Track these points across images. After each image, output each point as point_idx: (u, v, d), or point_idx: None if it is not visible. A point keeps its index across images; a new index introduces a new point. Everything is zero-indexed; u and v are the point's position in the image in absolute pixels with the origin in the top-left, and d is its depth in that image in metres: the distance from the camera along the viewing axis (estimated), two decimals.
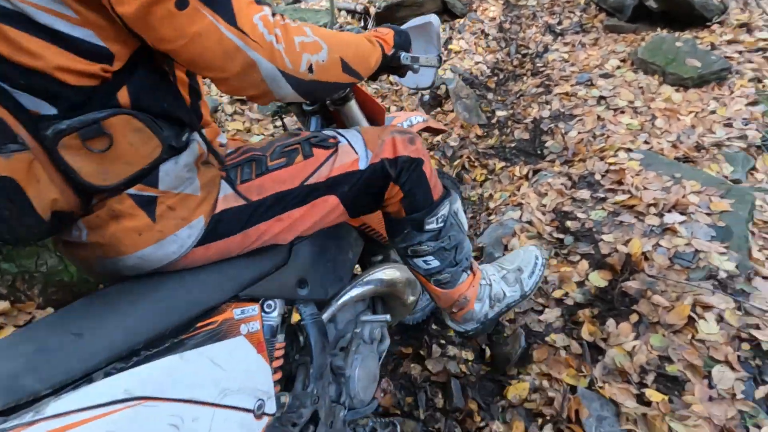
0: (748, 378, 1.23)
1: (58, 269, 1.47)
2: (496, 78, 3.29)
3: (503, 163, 2.55)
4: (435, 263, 0.89)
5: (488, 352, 1.53)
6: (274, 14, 0.59)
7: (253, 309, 0.68)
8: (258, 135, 2.74)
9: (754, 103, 2.51)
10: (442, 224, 0.87)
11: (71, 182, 0.55)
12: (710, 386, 1.24)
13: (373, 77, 0.92)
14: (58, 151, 0.52)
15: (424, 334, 1.60)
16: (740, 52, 2.86)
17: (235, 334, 0.64)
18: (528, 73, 3.28)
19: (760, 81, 2.66)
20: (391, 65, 0.87)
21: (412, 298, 1.13)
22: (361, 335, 0.97)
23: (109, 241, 0.59)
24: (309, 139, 0.77)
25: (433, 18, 0.95)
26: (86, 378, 0.48)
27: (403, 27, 0.93)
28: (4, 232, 0.51)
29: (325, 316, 0.89)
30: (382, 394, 1.03)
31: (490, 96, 3.14)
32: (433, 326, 1.64)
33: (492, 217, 2.19)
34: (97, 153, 0.54)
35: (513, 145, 2.68)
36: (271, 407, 0.66)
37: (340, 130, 0.83)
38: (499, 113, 2.96)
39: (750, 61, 2.78)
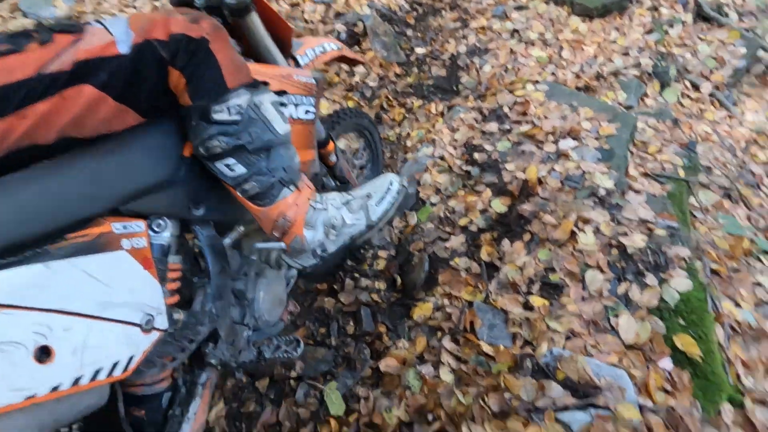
0: (614, 278, 1.41)
1: None
2: (415, 13, 3.21)
3: (421, 101, 2.57)
4: (240, 168, 0.77)
5: (399, 281, 1.63)
6: None
7: (138, 225, 0.67)
8: None
9: (649, 32, 2.67)
10: (237, 116, 0.75)
11: None
12: (583, 288, 1.42)
13: None
14: None
15: (338, 270, 1.66)
16: None
17: (116, 248, 0.62)
18: (446, 7, 3.23)
19: (656, 9, 2.80)
20: None
21: None
22: (267, 259, 0.99)
23: None
24: (51, 25, 0.67)
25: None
26: None
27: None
28: None
29: (228, 241, 0.90)
30: (288, 317, 1.07)
31: (409, 32, 3.07)
32: (349, 262, 1.71)
33: (408, 155, 2.24)
34: None
35: (431, 82, 2.69)
36: (162, 323, 0.67)
37: (101, 18, 0.74)
38: (419, 50, 2.93)
39: None
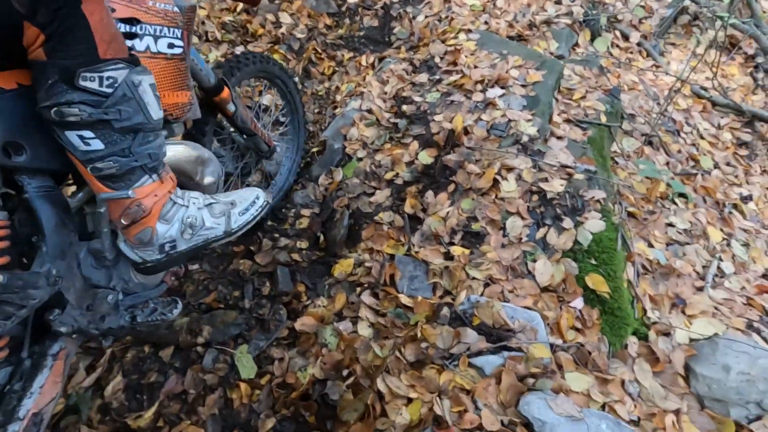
0: (533, 224, 1.41)
1: None
2: None
3: (351, 54, 2.43)
4: (97, 144, 0.69)
5: (322, 239, 1.56)
6: None
7: None
8: None
9: None
10: (109, 90, 0.67)
11: None
12: (504, 235, 1.41)
13: None
14: None
15: (257, 231, 1.57)
16: None
17: None
18: None
19: None
20: None
21: (209, 179, 1.04)
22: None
23: None
24: None
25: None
26: None
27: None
28: None
29: (81, 196, 0.80)
30: (173, 278, 0.97)
31: None
32: (269, 222, 1.61)
33: (337, 110, 2.12)
34: None
35: (362, 33, 2.54)
36: None
37: None
38: (350, 0, 2.75)
39: None
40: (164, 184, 0.80)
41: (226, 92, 1.20)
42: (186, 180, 1.00)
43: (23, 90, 0.69)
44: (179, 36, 0.87)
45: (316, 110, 2.19)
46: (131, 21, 0.79)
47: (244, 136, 1.40)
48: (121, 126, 0.70)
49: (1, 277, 0.61)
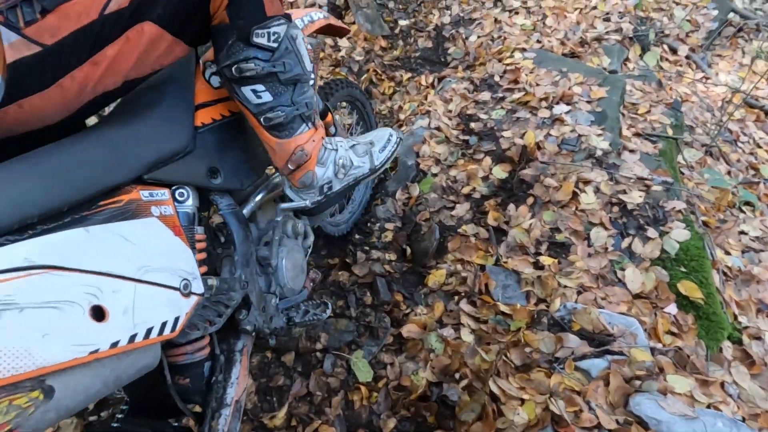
0: (617, 234, 1.48)
1: None
2: None
3: (410, 74, 2.55)
4: (267, 96, 0.79)
5: (409, 251, 1.65)
6: None
7: (163, 193, 0.69)
8: None
9: None
10: (275, 44, 0.76)
11: None
12: (589, 245, 1.48)
13: None
14: None
15: (348, 245, 1.67)
16: None
17: (146, 214, 0.64)
18: None
19: None
20: None
21: None
22: (284, 230, 1.01)
23: None
24: None
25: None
26: None
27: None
28: None
29: (245, 211, 0.92)
30: (311, 284, 1.08)
31: (391, 5, 3.02)
32: (357, 236, 1.72)
33: (403, 128, 2.24)
34: None
35: (417, 54, 2.67)
36: (198, 287, 0.69)
37: None
38: (402, 22, 2.89)
39: None
40: (318, 130, 0.90)
41: (329, 117, 1.32)
42: None
43: (219, 123, 0.82)
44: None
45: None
46: None
47: None
48: (285, 77, 0.80)
49: (215, 281, 0.73)
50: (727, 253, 1.58)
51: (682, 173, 1.88)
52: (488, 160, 1.85)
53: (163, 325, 0.62)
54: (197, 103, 0.81)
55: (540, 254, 1.49)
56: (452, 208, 1.74)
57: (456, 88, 2.24)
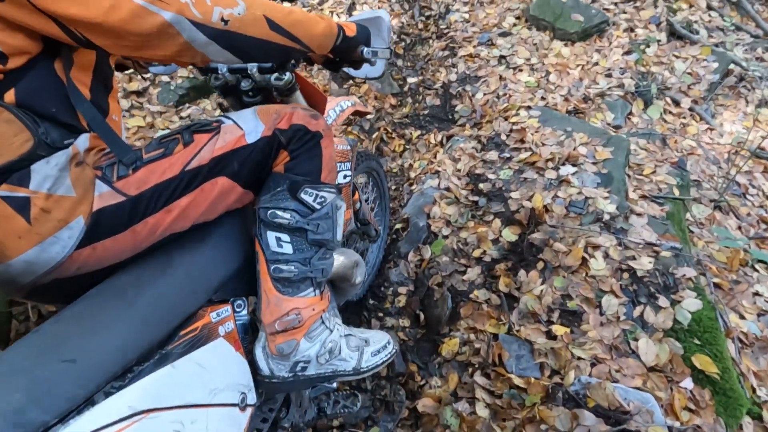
0: (628, 302, 1.50)
1: None
2: (403, 43, 3.31)
3: (419, 132, 2.65)
4: (287, 248, 0.79)
5: (422, 317, 1.68)
6: None
7: (227, 310, 0.73)
8: (163, 129, 2.56)
9: (628, 53, 2.82)
10: (318, 206, 0.81)
11: None
12: (601, 314, 1.50)
13: (334, 67, 0.92)
14: None
15: (362, 310, 1.71)
16: (615, 4, 3.14)
17: (215, 336, 0.68)
18: (433, 36, 3.34)
19: (632, 30, 2.96)
20: (353, 59, 0.88)
21: (359, 279, 1.20)
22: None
23: None
24: (190, 126, 0.76)
25: (383, 14, 0.96)
26: (88, 401, 0.50)
27: (353, 19, 0.93)
28: None
29: None
30: None
31: (400, 63, 3.17)
32: (371, 301, 1.75)
33: (414, 186, 2.31)
34: None
35: (426, 111, 2.78)
36: (252, 398, 0.72)
37: (228, 113, 0.81)
38: (411, 80, 3.02)
39: (624, 12, 3.08)
40: (322, 301, 0.86)
41: (356, 196, 1.39)
42: (343, 283, 1.16)
43: None
44: (349, 167, 1.07)
45: (393, 187, 2.38)
46: None
47: (358, 224, 1.57)
48: (313, 238, 0.82)
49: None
50: (742, 317, 1.58)
51: (692, 232, 1.90)
52: (497, 222, 1.90)
53: None
54: None
55: (552, 322, 1.51)
56: (464, 272, 1.77)
57: (464, 147, 2.33)
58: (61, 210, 0.63)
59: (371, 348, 0.92)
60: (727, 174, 2.21)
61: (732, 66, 2.83)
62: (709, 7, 3.18)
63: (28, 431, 0.44)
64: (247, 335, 0.77)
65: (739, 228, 2.04)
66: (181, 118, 2.65)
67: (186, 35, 0.62)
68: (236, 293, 0.77)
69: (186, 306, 0.67)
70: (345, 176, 1.04)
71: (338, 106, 1.32)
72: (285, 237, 0.80)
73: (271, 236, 0.80)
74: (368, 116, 1.46)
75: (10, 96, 0.59)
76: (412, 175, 2.40)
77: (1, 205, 0.60)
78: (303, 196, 0.79)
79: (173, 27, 0.60)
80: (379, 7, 3.49)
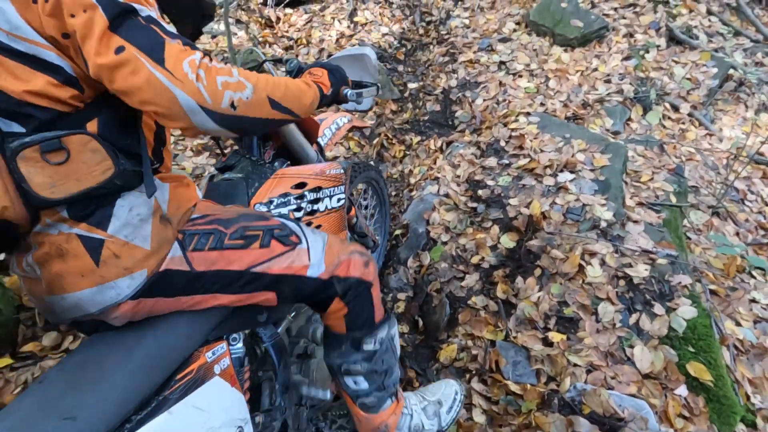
0: (624, 309, 1.51)
1: None
2: (404, 49, 3.34)
3: (419, 137, 2.68)
4: (364, 385, 0.91)
5: (421, 323, 1.70)
6: (208, 57, 0.64)
7: (222, 347, 0.75)
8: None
9: (627, 58, 2.83)
10: (378, 347, 0.91)
11: (22, 193, 0.61)
12: (597, 321, 1.51)
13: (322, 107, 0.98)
14: (17, 162, 0.59)
15: None
16: (615, 9, 3.15)
17: (211, 376, 0.70)
18: (434, 41, 3.37)
19: (632, 36, 2.98)
20: (338, 101, 0.95)
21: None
22: (313, 338, 1.06)
23: (54, 278, 0.64)
24: (273, 229, 0.80)
25: (368, 51, 1.00)
26: None
27: (337, 55, 0.97)
28: None
29: (281, 329, 0.97)
30: (334, 387, 1.13)
31: (400, 68, 3.20)
32: None
33: (414, 192, 2.33)
34: (52, 165, 0.60)
35: (426, 117, 2.80)
36: (249, 430, 0.74)
37: (306, 230, 0.86)
38: (411, 85, 3.05)
39: (623, 17, 3.09)
40: (399, 403, 1.00)
41: (353, 211, 1.42)
42: None
43: None
44: (343, 191, 1.09)
45: (393, 192, 2.40)
46: (317, 189, 1.01)
47: (356, 236, 1.60)
48: (382, 370, 0.93)
49: (261, 417, 0.79)
50: (738, 324, 1.59)
51: (689, 238, 1.92)
52: (496, 228, 1.92)
53: None
54: None
55: (549, 329, 1.53)
56: (462, 279, 1.79)
57: (463, 154, 2.35)
58: (130, 259, 0.65)
59: (445, 407, 1.08)
60: (726, 180, 2.22)
61: (731, 71, 2.84)
62: (709, 12, 3.19)
63: None
64: (243, 367, 0.78)
65: (737, 234, 2.05)
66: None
67: (193, 119, 0.63)
68: (233, 330, 0.78)
69: (183, 350, 0.68)
70: (339, 200, 1.06)
71: (334, 124, 1.34)
72: (360, 378, 0.92)
73: (347, 379, 0.93)
74: (366, 128, 1.47)
75: (93, 126, 0.62)
76: (412, 180, 2.42)
77: (75, 242, 0.63)
78: (366, 347, 0.90)
79: (182, 108, 0.61)
80: (380, 14, 3.53)
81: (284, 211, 0.95)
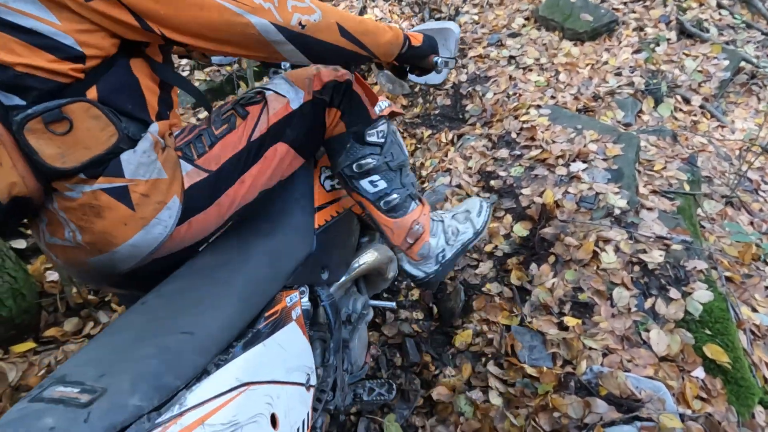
0: (639, 294, 1.52)
1: None
2: None
3: (430, 131, 2.70)
4: (382, 184, 0.92)
5: (435, 310, 1.72)
6: None
7: (295, 296, 0.78)
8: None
9: (638, 51, 2.84)
10: (383, 139, 0.91)
11: (33, 166, 0.61)
12: (612, 305, 1.52)
13: (401, 74, 1.00)
14: (24, 135, 0.59)
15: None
16: (625, 3, 3.16)
17: (289, 320, 0.73)
18: None
19: (642, 29, 2.98)
20: (421, 66, 0.94)
21: (392, 274, 1.26)
22: (355, 308, 1.10)
23: (101, 237, 0.66)
24: (239, 101, 0.83)
25: (453, 25, 1.02)
26: (204, 371, 0.54)
27: (420, 27, 0.99)
28: None
29: (333, 290, 1.01)
30: (371, 359, 1.16)
31: None
32: (384, 294, 1.79)
33: (425, 185, 2.35)
34: (58, 136, 0.60)
35: (437, 111, 2.82)
36: (314, 379, 0.77)
37: (263, 84, 0.88)
38: None
39: (633, 11, 3.09)
40: (425, 206, 1.02)
41: None
42: (377, 277, 1.21)
43: (329, 223, 0.94)
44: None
45: None
46: None
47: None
48: (394, 164, 0.94)
49: (321, 370, 0.82)
50: (754, 310, 1.59)
51: (703, 227, 1.92)
52: (509, 217, 1.93)
53: (303, 422, 0.68)
54: (314, 207, 0.93)
55: (564, 314, 1.54)
56: (476, 267, 1.80)
57: (475, 146, 2.36)
58: (158, 193, 0.68)
59: (474, 213, 1.10)
60: (739, 170, 2.21)
61: (743, 63, 2.83)
62: (720, 5, 3.18)
63: (163, 394, 0.48)
64: (307, 321, 0.81)
65: (751, 224, 2.04)
66: (198, 119, 2.72)
67: (268, 37, 0.68)
68: (301, 281, 0.82)
69: (270, 289, 0.72)
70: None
71: (377, 106, 1.37)
72: (375, 177, 0.92)
73: (365, 183, 0.93)
74: (401, 115, 1.50)
75: (92, 93, 0.63)
76: (424, 173, 2.44)
77: (103, 196, 0.64)
78: (369, 139, 0.90)
79: (256, 29, 0.66)
80: (389, 11, 3.56)
81: None
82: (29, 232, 1.82)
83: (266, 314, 0.68)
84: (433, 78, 1.02)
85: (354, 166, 0.91)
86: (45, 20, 0.56)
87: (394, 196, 0.93)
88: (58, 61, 0.58)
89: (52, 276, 1.71)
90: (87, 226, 0.66)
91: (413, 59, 0.92)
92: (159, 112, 0.72)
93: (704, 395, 1.29)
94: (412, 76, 1.02)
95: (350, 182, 0.93)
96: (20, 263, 1.56)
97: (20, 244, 1.83)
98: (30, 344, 1.50)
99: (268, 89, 0.84)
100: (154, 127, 0.70)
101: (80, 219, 0.65)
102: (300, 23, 0.69)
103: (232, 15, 0.64)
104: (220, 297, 0.65)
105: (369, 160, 0.90)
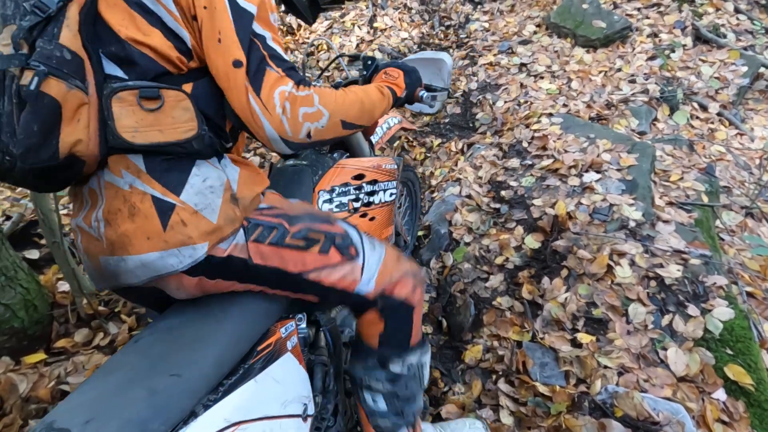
0: (656, 310, 1.47)
1: (6, 317, 1.43)
2: None
3: (440, 140, 2.68)
4: (382, 406, 0.87)
5: (444, 324, 1.69)
6: (299, 83, 0.68)
7: (291, 325, 0.77)
8: None
9: (652, 58, 2.78)
10: (406, 371, 0.86)
11: (103, 132, 0.63)
12: (627, 322, 1.47)
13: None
14: (111, 101, 0.62)
15: None
16: (638, 9, 3.11)
17: (284, 351, 0.72)
18: (453, 45, 3.38)
19: (656, 36, 2.93)
20: (410, 102, 0.95)
21: None
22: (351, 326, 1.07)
23: (119, 238, 0.64)
24: (335, 237, 0.78)
25: (445, 56, 1.00)
26: (191, 413, 0.53)
27: (414, 57, 0.97)
28: (12, 146, 0.56)
29: (334, 314, 1.01)
30: None
31: None
32: None
33: (435, 194, 2.33)
34: (144, 111, 0.63)
35: (447, 120, 2.80)
36: (311, 408, 0.75)
37: (366, 243, 0.83)
38: None
39: (647, 17, 3.04)
40: (416, 431, 0.94)
41: None
42: None
43: None
44: (395, 186, 1.10)
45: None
46: (374, 182, 1.03)
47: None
48: (404, 396, 0.88)
49: (320, 398, 0.80)
50: None
51: (722, 239, 1.85)
52: (520, 229, 1.89)
53: None
54: None
55: (577, 330, 1.49)
56: (486, 279, 1.77)
57: (485, 155, 2.33)
58: (195, 229, 0.65)
59: None
60: (759, 179, 2.15)
61: (762, 69, 2.76)
62: (737, 10, 3.11)
63: None
64: (306, 348, 0.80)
65: None
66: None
67: (275, 146, 0.69)
68: (300, 309, 0.80)
69: (263, 323, 0.70)
70: (391, 194, 1.08)
71: (385, 123, 1.37)
72: (379, 397, 0.87)
73: (366, 395, 0.88)
74: (412, 131, 1.50)
75: (188, 88, 0.66)
76: (433, 182, 2.41)
77: (149, 203, 0.64)
78: (392, 367, 0.85)
79: (266, 135, 0.67)
80: (399, 19, 3.56)
81: (344, 200, 0.97)
82: (43, 242, 1.84)
83: (259, 348, 0.67)
84: (425, 108, 1.01)
85: (363, 379, 0.87)
86: (171, 12, 0.62)
87: (387, 422, 0.88)
88: (171, 47, 0.63)
89: (64, 286, 1.72)
90: (114, 222, 0.64)
91: (402, 104, 0.94)
92: (232, 128, 0.74)
93: (726, 418, 1.24)
94: (407, 105, 1.00)
95: (353, 381, 0.90)
96: (33, 274, 1.57)
97: (33, 254, 1.85)
98: (41, 355, 1.51)
99: (362, 256, 0.80)
100: (234, 172, 0.71)
101: (112, 212, 0.64)
102: (308, 133, 0.69)
103: (253, 112, 0.66)
104: (213, 333, 0.63)
105: (380, 385, 0.86)
